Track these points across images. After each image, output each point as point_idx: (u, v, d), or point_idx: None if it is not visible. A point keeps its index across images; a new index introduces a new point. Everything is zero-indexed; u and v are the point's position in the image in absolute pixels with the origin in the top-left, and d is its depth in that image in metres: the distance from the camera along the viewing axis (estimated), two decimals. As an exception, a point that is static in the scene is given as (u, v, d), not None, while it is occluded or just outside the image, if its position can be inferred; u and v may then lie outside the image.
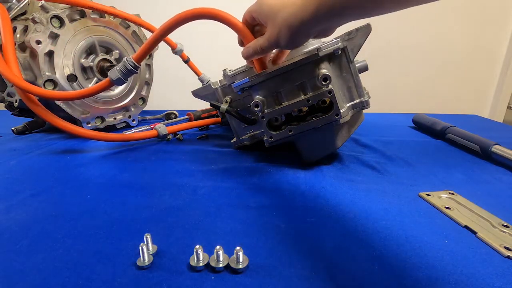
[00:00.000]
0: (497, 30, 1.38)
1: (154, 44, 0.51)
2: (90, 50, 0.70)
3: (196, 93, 0.58)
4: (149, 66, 0.82)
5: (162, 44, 0.81)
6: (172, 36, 0.79)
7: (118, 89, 0.75)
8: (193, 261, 0.27)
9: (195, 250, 0.27)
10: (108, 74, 0.53)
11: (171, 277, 0.25)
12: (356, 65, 0.47)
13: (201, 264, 0.26)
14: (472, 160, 0.53)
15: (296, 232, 0.32)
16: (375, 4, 0.29)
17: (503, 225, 0.33)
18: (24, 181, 0.46)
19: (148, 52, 0.52)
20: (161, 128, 0.64)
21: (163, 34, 0.50)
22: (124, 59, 0.52)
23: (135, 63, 0.52)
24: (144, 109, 0.83)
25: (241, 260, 0.26)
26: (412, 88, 1.51)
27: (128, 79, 0.54)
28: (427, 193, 0.40)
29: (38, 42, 0.60)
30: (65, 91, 0.65)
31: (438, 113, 0.86)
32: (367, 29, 0.45)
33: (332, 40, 0.44)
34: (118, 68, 0.52)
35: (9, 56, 0.55)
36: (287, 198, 0.39)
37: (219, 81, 0.57)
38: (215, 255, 0.26)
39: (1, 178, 0.47)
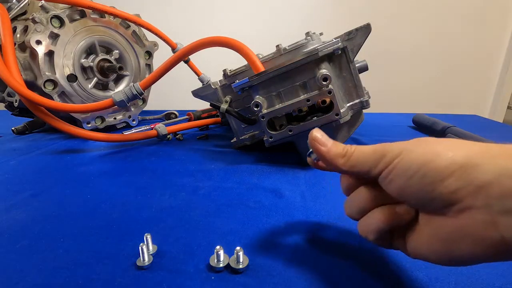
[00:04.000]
0: (497, 30, 1.38)
1: (162, 74, 0.56)
2: (90, 50, 0.70)
3: (196, 93, 0.58)
4: (149, 66, 0.82)
5: (162, 44, 0.81)
6: (172, 36, 0.79)
7: (118, 90, 0.75)
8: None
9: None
10: (112, 95, 0.56)
11: (171, 277, 0.25)
12: (356, 65, 0.47)
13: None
14: (472, 160, 0.53)
15: (296, 232, 0.32)
16: None
17: (503, 225, 0.33)
18: (24, 181, 0.46)
19: (155, 81, 0.56)
20: (161, 128, 0.64)
21: (170, 66, 0.55)
22: (131, 84, 0.55)
23: (141, 90, 0.55)
24: (144, 109, 0.83)
25: (241, 260, 0.26)
26: (412, 88, 1.51)
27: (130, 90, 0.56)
28: (427, 193, 0.40)
29: (38, 42, 0.60)
30: (65, 91, 0.65)
31: (438, 113, 0.86)
32: (367, 29, 0.45)
33: (332, 40, 0.44)
34: (123, 91, 0.54)
35: (9, 57, 0.55)
36: (287, 198, 0.39)
37: (219, 81, 0.57)
38: (215, 255, 0.26)
39: (1, 178, 0.47)
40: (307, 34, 0.48)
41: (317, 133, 0.24)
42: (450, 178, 0.17)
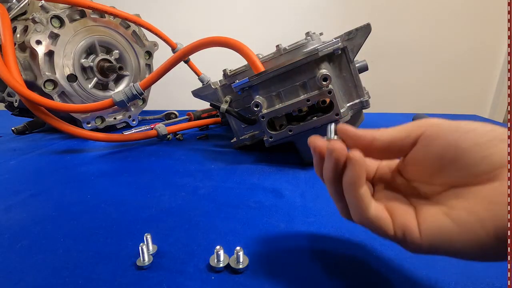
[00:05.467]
0: (497, 30, 1.37)
1: (162, 74, 0.56)
2: (90, 50, 0.70)
3: (196, 93, 0.58)
4: (149, 66, 0.82)
5: (162, 44, 0.81)
6: (172, 36, 0.79)
7: (118, 90, 0.75)
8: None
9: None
10: (112, 95, 0.56)
11: (171, 277, 0.25)
12: (356, 65, 0.47)
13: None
14: (472, 160, 0.53)
15: (296, 232, 0.32)
16: None
17: (503, 225, 0.33)
18: (24, 181, 0.46)
19: (155, 81, 0.57)
20: (161, 128, 0.64)
21: (170, 66, 0.55)
22: (131, 84, 0.56)
23: (141, 90, 0.56)
24: (144, 109, 0.83)
25: (241, 260, 0.26)
26: (412, 88, 1.50)
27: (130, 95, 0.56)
28: (427, 193, 0.40)
29: (38, 42, 0.60)
30: (65, 91, 0.65)
31: (438, 113, 0.86)
32: (367, 29, 0.45)
33: (332, 40, 0.44)
34: (123, 91, 0.54)
35: (9, 57, 0.55)
36: (287, 198, 0.39)
37: (219, 81, 0.57)
38: (215, 255, 0.26)
39: (1, 178, 0.47)
40: (307, 34, 0.48)
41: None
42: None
